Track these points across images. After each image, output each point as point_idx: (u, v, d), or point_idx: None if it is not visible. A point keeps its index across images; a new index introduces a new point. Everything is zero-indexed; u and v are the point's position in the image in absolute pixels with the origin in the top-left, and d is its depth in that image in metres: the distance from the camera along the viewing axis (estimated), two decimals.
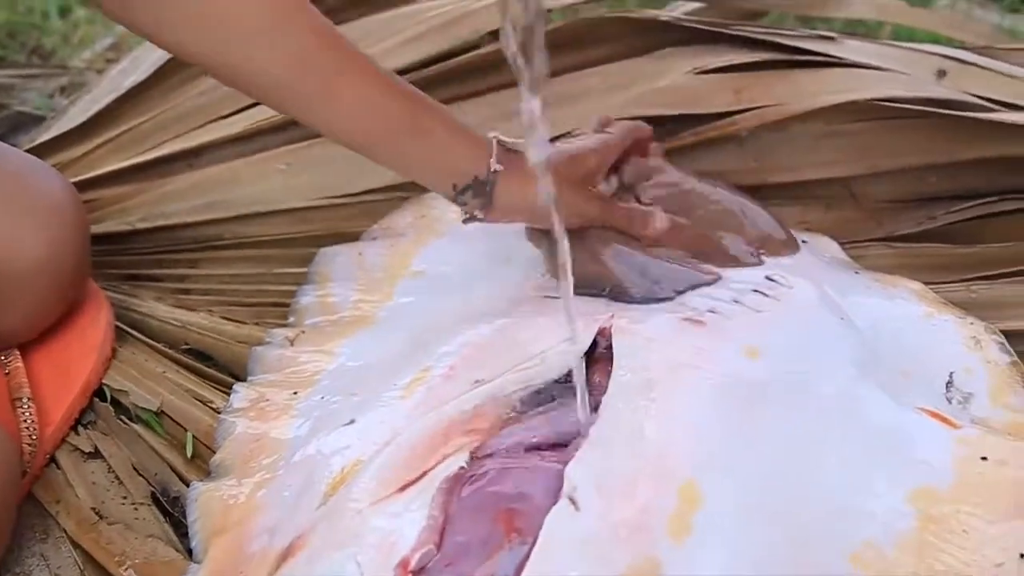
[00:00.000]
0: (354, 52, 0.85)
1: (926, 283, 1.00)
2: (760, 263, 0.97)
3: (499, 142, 0.88)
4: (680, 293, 0.92)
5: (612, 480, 0.73)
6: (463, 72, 1.22)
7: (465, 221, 0.91)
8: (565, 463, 0.73)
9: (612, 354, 0.82)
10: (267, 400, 0.94)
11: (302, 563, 0.73)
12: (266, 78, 0.83)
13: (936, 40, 1.31)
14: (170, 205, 1.19)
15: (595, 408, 0.78)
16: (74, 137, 1.25)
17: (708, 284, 0.93)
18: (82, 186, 1.15)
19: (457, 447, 0.78)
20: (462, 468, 0.76)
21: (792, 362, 0.83)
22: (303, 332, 1.02)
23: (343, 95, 0.84)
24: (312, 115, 0.86)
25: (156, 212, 1.18)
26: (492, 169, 0.87)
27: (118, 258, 1.14)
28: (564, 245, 0.75)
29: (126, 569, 0.81)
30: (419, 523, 0.72)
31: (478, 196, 0.88)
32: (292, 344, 1.00)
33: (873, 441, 0.79)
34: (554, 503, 0.71)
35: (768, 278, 0.92)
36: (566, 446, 0.76)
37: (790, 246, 1.00)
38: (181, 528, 0.85)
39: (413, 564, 0.70)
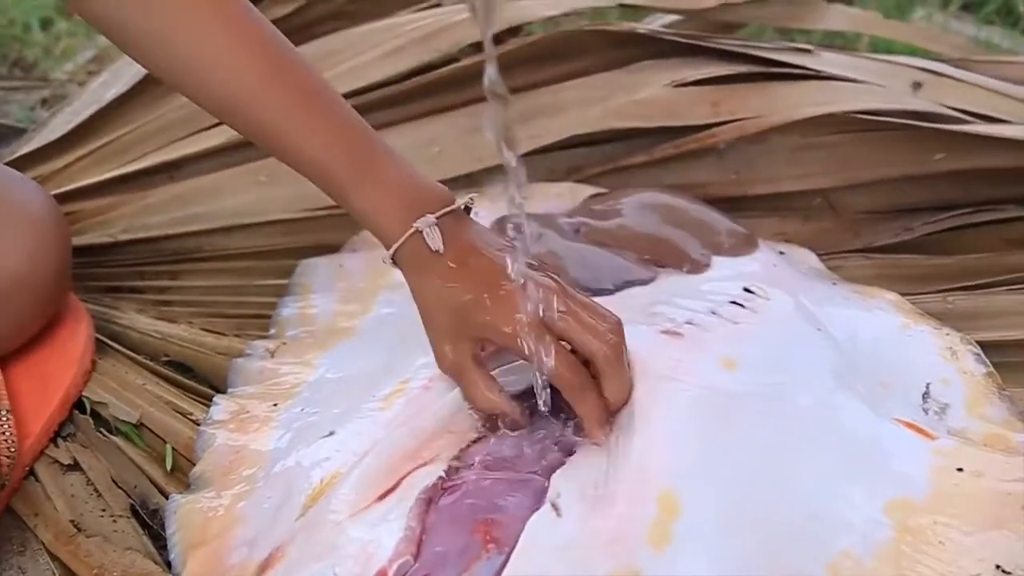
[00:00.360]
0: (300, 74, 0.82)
1: (903, 294, 1.01)
2: (708, 262, 0.99)
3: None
4: (619, 288, 0.95)
5: (593, 489, 0.73)
6: (442, 85, 1.22)
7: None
8: (545, 474, 0.74)
9: None
10: (247, 412, 0.93)
11: (281, 574, 0.74)
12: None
13: (913, 52, 1.33)
14: (151, 217, 1.19)
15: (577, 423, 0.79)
16: (55, 149, 1.25)
17: (645, 282, 0.96)
18: (63, 198, 1.15)
19: (434, 457, 0.78)
20: (440, 478, 0.76)
21: (769, 373, 0.84)
22: (283, 344, 1.02)
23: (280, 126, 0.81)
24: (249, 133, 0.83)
25: (137, 224, 1.18)
26: (395, 248, 0.80)
27: (99, 270, 1.14)
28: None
29: None
30: (397, 534, 0.72)
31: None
32: (272, 356, 1.00)
33: (850, 451, 0.79)
34: (532, 514, 0.72)
35: (746, 289, 0.93)
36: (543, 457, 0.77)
37: (749, 243, 1.02)
38: (160, 541, 0.85)
39: (391, 574, 0.70)
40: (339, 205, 0.83)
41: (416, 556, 0.71)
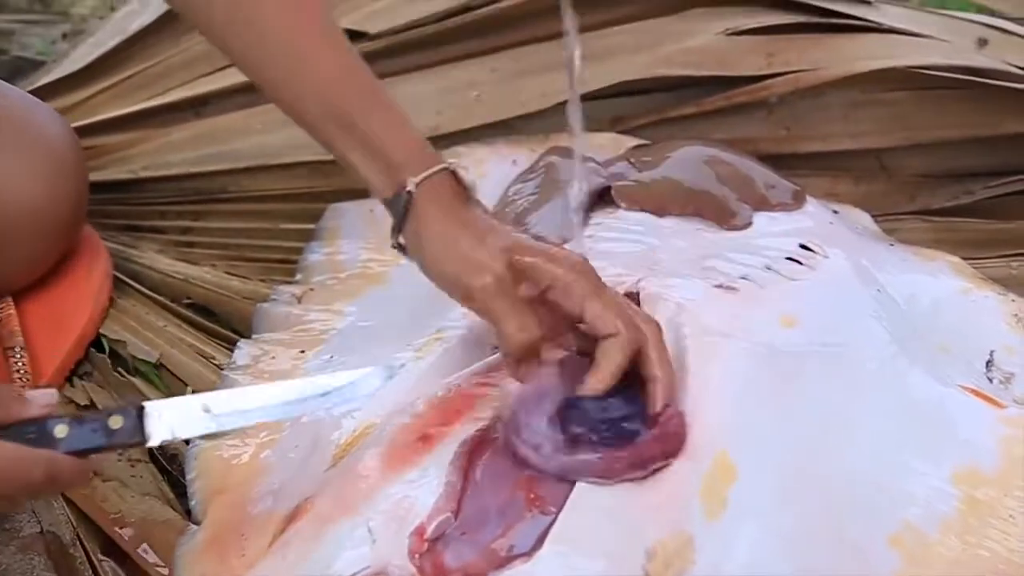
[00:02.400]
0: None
1: (964, 259, 0.96)
2: (750, 219, 0.93)
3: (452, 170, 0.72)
4: None
5: None
6: (482, 26, 1.17)
7: (393, 246, 0.74)
8: None
9: None
10: (272, 358, 0.90)
11: (308, 526, 0.70)
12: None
13: (970, 9, 1.27)
14: (174, 155, 1.15)
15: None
16: (75, 81, 1.21)
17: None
18: (82, 132, 1.11)
19: (474, 409, 0.74)
20: (480, 431, 0.71)
21: (830, 333, 0.79)
22: (311, 290, 0.99)
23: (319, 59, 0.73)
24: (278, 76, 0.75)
25: (159, 161, 1.14)
26: (409, 189, 0.70)
27: (119, 207, 1.11)
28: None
29: (122, 528, 0.78)
30: (435, 489, 0.68)
31: (396, 218, 0.72)
32: (299, 302, 0.97)
33: (915, 418, 0.75)
34: None
35: (802, 246, 0.88)
36: None
37: (799, 199, 0.97)
38: (179, 487, 0.82)
39: (430, 532, 0.66)
40: (334, 145, 0.74)
41: (456, 513, 0.67)
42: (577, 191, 0.77)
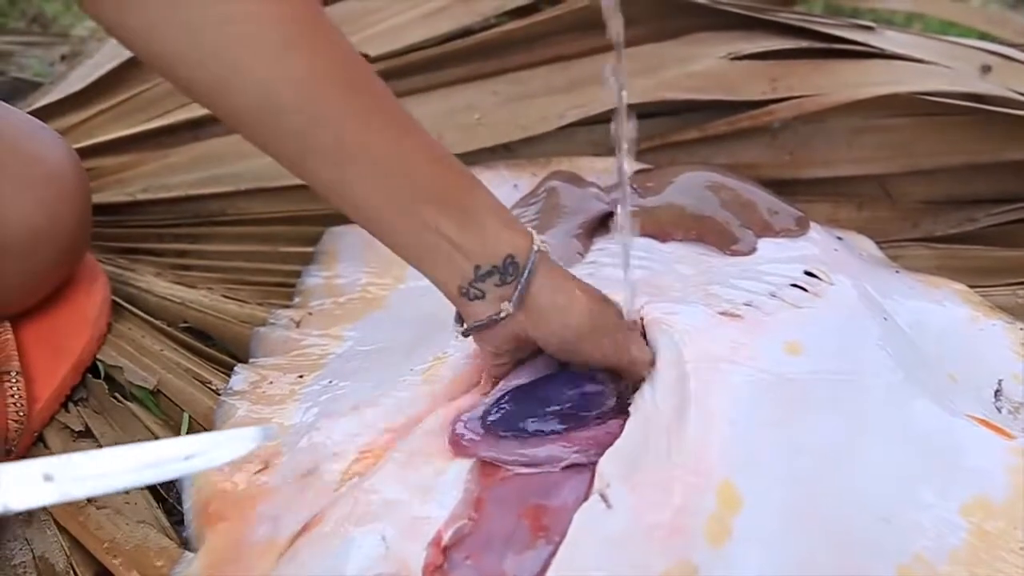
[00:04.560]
0: (384, 92, 0.69)
1: (969, 287, 0.95)
2: (754, 244, 0.92)
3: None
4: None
5: (646, 478, 0.68)
6: (484, 49, 1.17)
7: (465, 333, 0.74)
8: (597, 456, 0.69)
9: None
10: (270, 383, 0.89)
11: (318, 539, 0.69)
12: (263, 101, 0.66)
13: (973, 37, 1.27)
14: (172, 177, 1.14)
15: (627, 402, 0.73)
16: (74, 103, 1.20)
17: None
18: (81, 154, 1.08)
19: None
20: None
21: (836, 360, 0.78)
22: (309, 314, 0.98)
23: (368, 147, 0.68)
24: (315, 164, 0.69)
25: (157, 183, 1.13)
26: (536, 248, 0.70)
27: (116, 230, 1.09)
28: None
29: (115, 557, 0.76)
30: (451, 501, 0.68)
31: (505, 283, 0.70)
32: (297, 326, 0.96)
33: (923, 447, 0.74)
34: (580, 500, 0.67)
35: (807, 272, 0.87)
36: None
37: (802, 226, 0.96)
38: (175, 516, 0.80)
39: (446, 539, 0.66)
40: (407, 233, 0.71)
41: (474, 519, 0.67)
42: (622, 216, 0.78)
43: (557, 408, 0.72)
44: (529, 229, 0.72)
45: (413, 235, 0.70)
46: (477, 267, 0.70)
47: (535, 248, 0.70)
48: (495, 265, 0.70)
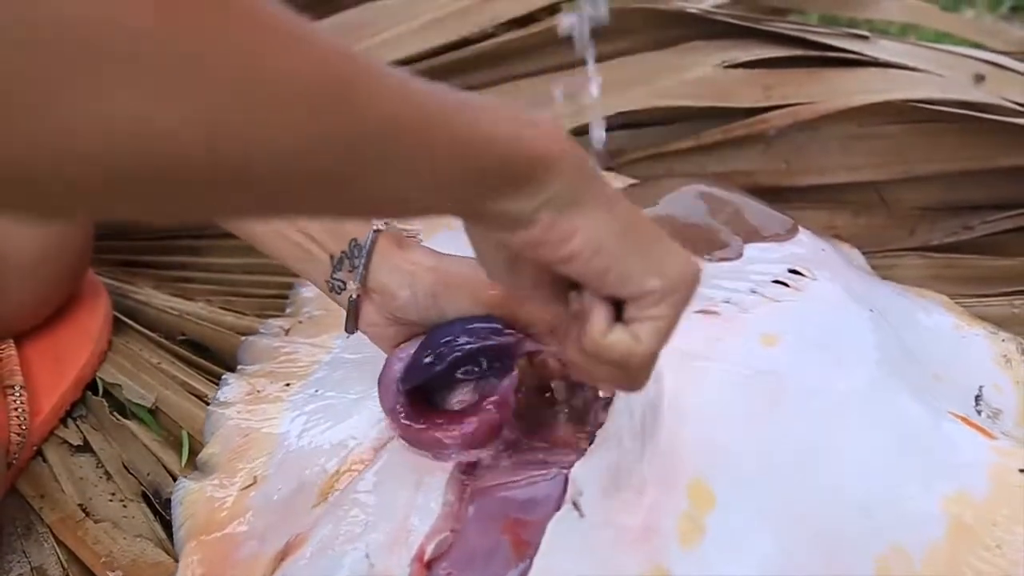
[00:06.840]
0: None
1: (963, 295, 0.96)
2: (742, 250, 0.91)
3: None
4: None
5: (618, 481, 0.68)
6: (479, 61, 1.17)
7: (347, 330, 0.74)
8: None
9: None
10: (258, 392, 0.89)
11: (304, 560, 0.70)
12: None
13: (967, 46, 1.26)
14: None
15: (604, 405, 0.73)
16: None
17: None
18: None
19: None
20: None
21: (814, 350, 0.77)
22: (299, 323, 0.98)
23: None
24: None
25: None
26: (375, 227, 0.71)
27: (115, 243, 1.10)
28: None
29: (113, 570, 0.77)
30: (432, 513, 0.68)
31: (354, 268, 0.71)
32: (286, 334, 0.96)
33: (905, 440, 0.73)
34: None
35: (792, 270, 0.85)
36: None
37: (791, 231, 0.95)
38: (171, 529, 0.81)
39: (428, 552, 0.66)
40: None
41: (455, 531, 0.67)
42: None
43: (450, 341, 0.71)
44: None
45: (279, 238, 0.72)
46: (331, 256, 0.71)
47: (374, 227, 0.70)
48: (343, 251, 0.71)
